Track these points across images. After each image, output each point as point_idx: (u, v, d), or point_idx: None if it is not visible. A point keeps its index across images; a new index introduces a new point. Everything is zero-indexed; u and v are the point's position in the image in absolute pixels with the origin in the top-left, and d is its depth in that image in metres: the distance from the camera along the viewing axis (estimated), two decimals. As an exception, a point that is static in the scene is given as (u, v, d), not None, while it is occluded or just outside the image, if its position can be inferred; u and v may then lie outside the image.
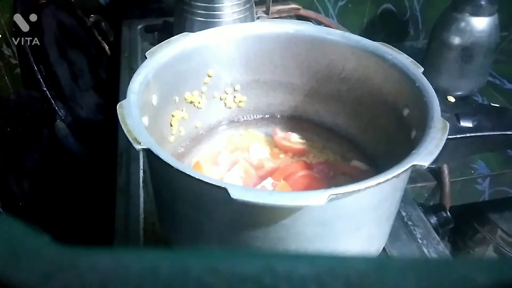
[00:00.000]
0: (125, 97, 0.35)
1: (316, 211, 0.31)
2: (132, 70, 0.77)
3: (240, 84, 0.50)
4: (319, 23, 0.95)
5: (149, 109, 0.39)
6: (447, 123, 0.33)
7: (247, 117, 0.53)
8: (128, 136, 0.31)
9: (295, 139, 0.51)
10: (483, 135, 0.40)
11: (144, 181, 0.56)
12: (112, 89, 0.83)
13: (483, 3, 0.77)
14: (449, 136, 0.34)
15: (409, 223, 0.53)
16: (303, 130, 0.51)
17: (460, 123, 0.41)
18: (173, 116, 0.46)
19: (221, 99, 0.50)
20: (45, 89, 0.76)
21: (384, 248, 0.44)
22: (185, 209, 0.36)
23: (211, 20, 0.68)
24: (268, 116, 0.53)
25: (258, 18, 0.79)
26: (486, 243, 0.93)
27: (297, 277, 0.11)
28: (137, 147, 0.31)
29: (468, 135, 0.40)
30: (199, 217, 0.35)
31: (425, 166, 0.30)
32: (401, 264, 0.12)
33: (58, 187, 0.77)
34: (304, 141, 0.51)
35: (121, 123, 0.32)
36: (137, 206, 0.53)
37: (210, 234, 0.36)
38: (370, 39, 0.44)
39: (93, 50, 0.96)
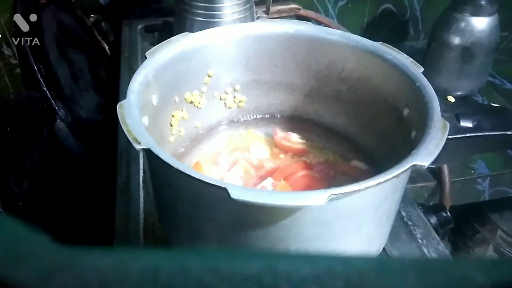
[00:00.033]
0: (125, 97, 0.35)
1: (316, 211, 0.31)
2: (132, 70, 0.77)
3: (240, 84, 0.50)
4: (319, 23, 0.95)
5: (149, 109, 0.39)
6: (447, 123, 0.33)
7: (247, 117, 0.53)
8: (128, 136, 0.31)
9: (295, 139, 0.51)
10: (483, 135, 0.40)
11: (144, 181, 0.56)
12: (112, 89, 0.83)
13: (483, 3, 0.77)
14: (449, 136, 0.34)
15: (409, 223, 0.53)
16: (303, 130, 0.51)
17: (460, 123, 0.41)
18: (173, 116, 0.46)
19: (221, 99, 0.50)
20: (45, 89, 0.76)
21: (384, 248, 0.44)
22: (185, 209, 0.36)
23: (211, 20, 0.68)
24: (268, 116, 0.53)
25: (258, 18, 0.79)
26: (486, 243, 0.93)
27: (297, 277, 0.11)
28: (137, 147, 0.31)
29: (468, 135, 0.40)
30: (199, 217, 0.35)
31: (425, 166, 0.30)
32: (401, 264, 0.12)
33: (58, 187, 0.77)
34: (304, 141, 0.51)
35: (121, 123, 0.32)
36: (137, 206, 0.53)
37: (210, 234, 0.36)
38: (370, 39, 0.44)
39: (93, 50, 0.96)
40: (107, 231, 0.52)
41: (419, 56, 0.85)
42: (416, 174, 0.71)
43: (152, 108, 0.40)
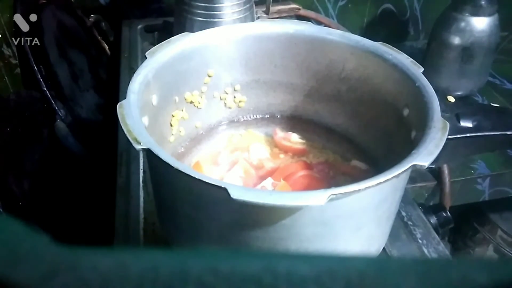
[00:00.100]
0: (125, 97, 0.35)
1: (316, 211, 0.31)
2: (132, 70, 0.77)
3: (240, 84, 0.50)
4: (319, 23, 0.95)
5: (149, 109, 0.39)
6: (447, 123, 0.33)
7: (247, 117, 0.53)
8: (128, 136, 0.31)
9: (295, 139, 0.51)
10: (483, 135, 0.40)
11: (144, 181, 0.56)
12: (112, 89, 0.83)
13: (483, 3, 0.77)
14: (449, 136, 0.34)
15: (409, 223, 0.53)
16: (303, 130, 0.51)
17: (460, 123, 0.41)
18: (173, 116, 0.46)
19: (221, 99, 0.50)
20: (45, 89, 0.76)
21: (384, 248, 0.44)
22: (185, 209, 0.36)
23: (211, 20, 0.68)
24: (268, 116, 0.53)
25: (258, 18, 0.79)
26: (486, 243, 0.93)
27: (297, 277, 0.11)
28: (137, 147, 0.31)
29: (468, 135, 0.40)
30: (199, 217, 0.35)
31: (425, 166, 0.30)
32: (401, 264, 0.12)
33: (58, 187, 0.77)
34: (304, 141, 0.51)
35: (121, 123, 0.32)
36: (137, 206, 0.53)
37: (210, 234, 0.36)
38: (370, 39, 0.44)
39: (93, 50, 0.96)
40: (107, 231, 0.52)
41: (419, 56, 0.85)
42: (416, 174, 0.71)
43: (152, 108, 0.40)
